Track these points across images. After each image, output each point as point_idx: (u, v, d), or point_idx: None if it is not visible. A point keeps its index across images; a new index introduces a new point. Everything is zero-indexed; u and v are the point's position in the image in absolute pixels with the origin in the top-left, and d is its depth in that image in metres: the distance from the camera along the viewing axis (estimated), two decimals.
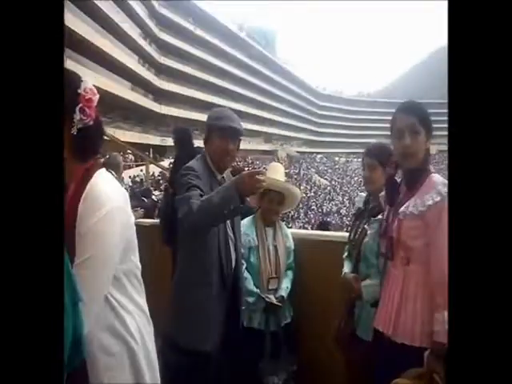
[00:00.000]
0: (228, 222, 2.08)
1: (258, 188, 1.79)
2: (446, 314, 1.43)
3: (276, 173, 2.53)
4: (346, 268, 2.16)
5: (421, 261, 1.62)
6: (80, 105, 1.16)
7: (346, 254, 2.24)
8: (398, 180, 1.83)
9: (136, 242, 1.36)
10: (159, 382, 1.38)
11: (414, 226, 1.62)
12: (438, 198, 1.54)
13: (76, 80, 1.19)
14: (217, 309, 2.01)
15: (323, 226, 6.93)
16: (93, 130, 1.21)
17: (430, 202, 1.56)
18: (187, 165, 2.07)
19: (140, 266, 1.38)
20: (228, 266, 2.06)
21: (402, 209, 1.64)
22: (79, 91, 1.17)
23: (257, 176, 1.74)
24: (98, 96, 1.22)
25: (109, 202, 1.18)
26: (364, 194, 2.25)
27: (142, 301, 1.36)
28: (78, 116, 1.15)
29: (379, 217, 1.93)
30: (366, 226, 2.06)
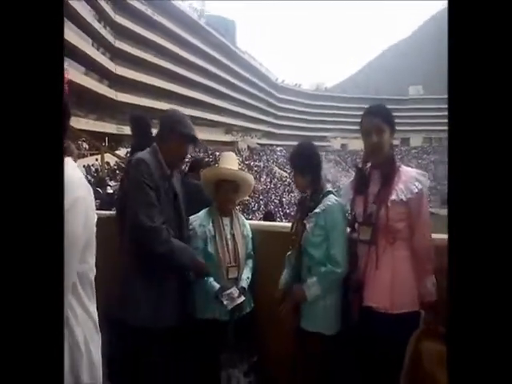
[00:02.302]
0: (175, 209, 2.29)
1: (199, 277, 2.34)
2: (433, 277, 1.89)
3: (228, 162, 2.56)
4: (286, 274, 2.35)
5: (404, 238, 1.92)
6: None
7: (290, 247, 2.31)
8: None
9: (94, 243, 1.31)
10: None
11: (400, 212, 1.90)
12: (420, 187, 1.89)
13: None
14: (164, 291, 2.17)
15: (268, 216, 6.98)
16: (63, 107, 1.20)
17: (416, 190, 1.87)
18: (140, 157, 2.17)
19: (95, 271, 1.33)
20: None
21: (393, 197, 1.89)
22: None
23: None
24: (67, 75, 1.19)
25: (72, 193, 1.14)
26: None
27: (93, 308, 1.32)
28: None
29: (317, 211, 2.12)
30: (304, 220, 2.16)
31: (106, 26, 35.05)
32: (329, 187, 2.26)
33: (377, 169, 2.02)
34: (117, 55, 36.74)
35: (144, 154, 2.20)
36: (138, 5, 38.43)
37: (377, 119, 1.96)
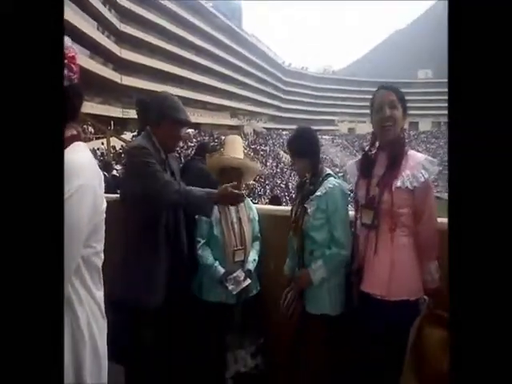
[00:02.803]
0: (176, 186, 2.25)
1: (234, 204, 2.30)
2: (436, 263, 1.85)
3: (233, 149, 2.53)
4: (289, 260, 2.36)
5: (406, 225, 1.86)
6: (65, 61, 1.15)
7: (291, 233, 2.30)
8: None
9: (103, 229, 1.29)
10: (105, 380, 1.32)
11: (405, 198, 1.84)
12: (427, 175, 1.82)
13: None
14: (161, 270, 2.19)
15: (274, 201, 6.98)
16: (75, 89, 1.23)
17: (423, 179, 1.81)
18: (139, 144, 2.20)
19: (102, 257, 1.31)
20: (174, 230, 2.25)
21: (399, 184, 1.83)
22: None
23: (238, 196, 2.12)
24: (77, 53, 1.23)
25: (79, 178, 1.12)
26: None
27: (99, 294, 1.30)
28: (64, 73, 1.14)
29: (318, 193, 2.11)
30: (305, 204, 2.15)
31: (111, 9, 34.68)
32: (334, 171, 2.25)
33: (384, 150, 1.94)
34: (122, 38, 36.43)
35: (140, 140, 2.23)
36: None
37: (391, 94, 1.89)
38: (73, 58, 1.19)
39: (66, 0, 26.04)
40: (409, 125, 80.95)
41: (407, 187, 1.81)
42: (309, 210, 2.12)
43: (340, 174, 2.29)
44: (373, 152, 2.00)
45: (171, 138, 2.28)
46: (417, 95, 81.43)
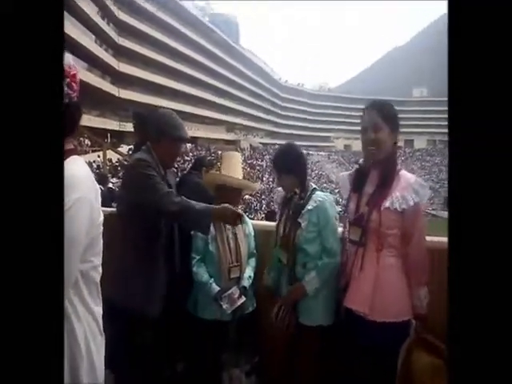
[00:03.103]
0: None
1: (233, 224, 2.23)
2: (426, 289, 1.83)
3: (233, 167, 2.53)
4: (271, 273, 2.38)
5: (394, 246, 1.84)
6: (67, 80, 1.18)
7: (277, 248, 2.30)
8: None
9: (101, 243, 1.29)
10: None
11: (393, 219, 1.82)
12: (417, 199, 1.78)
13: None
14: (155, 283, 2.19)
15: (270, 216, 6.93)
16: (75, 106, 1.24)
17: (412, 203, 1.77)
18: (141, 157, 2.20)
19: (100, 271, 1.31)
20: (168, 245, 2.26)
21: (387, 204, 1.80)
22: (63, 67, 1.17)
23: (237, 217, 2.10)
24: (78, 71, 1.25)
25: (77, 191, 1.13)
26: (280, 189, 2.37)
27: (97, 309, 1.29)
28: (65, 90, 1.16)
29: (309, 207, 2.13)
30: (298, 219, 2.16)
31: (110, 22, 35.09)
32: (330, 187, 2.25)
33: (376, 168, 1.90)
34: (120, 52, 36.79)
35: (141, 154, 2.24)
36: (141, 2, 38.46)
37: (376, 116, 1.83)
38: (74, 76, 1.21)
39: (66, 14, 26.33)
40: (404, 142, 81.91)
41: (396, 209, 1.78)
42: (302, 225, 2.14)
43: (337, 191, 2.28)
44: (365, 168, 1.98)
45: (170, 154, 2.30)
46: (412, 113, 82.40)
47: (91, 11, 30.42)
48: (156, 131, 2.26)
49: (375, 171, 1.91)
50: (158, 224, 2.20)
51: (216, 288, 2.34)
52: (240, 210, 2.21)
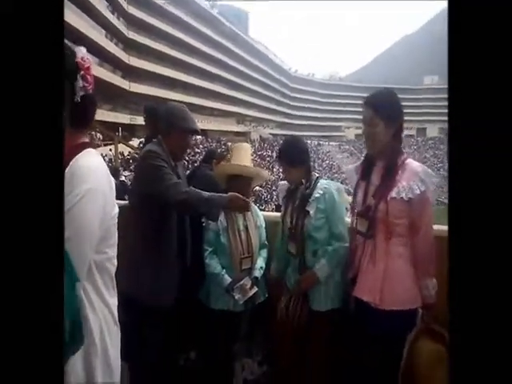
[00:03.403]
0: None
1: (241, 211, 2.35)
2: (434, 279, 1.85)
3: (241, 157, 2.53)
4: (279, 263, 2.43)
5: (402, 235, 1.86)
6: (81, 72, 1.17)
7: (284, 239, 2.34)
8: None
9: (116, 235, 1.29)
10: None
11: (400, 209, 1.82)
12: (423, 188, 1.78)
13: (70, 50, 1.20)
14: (171, 273, 2.24)
15: (280, 207, 6.89)
16: (90, 99, 1.24)
17: (418, 192, 1.77)
18: (151, 149, 2.23)
19: (115, 263, 1.31)
20: (180, 236, 2.29)
21: (393, 194, 1.81)
22: (76, 60, 1.17)
23: (245, 204, 2.16)
24: (92, 65, 1.24)
25: (89, 181, 1.13)
26: (285, 182, 2.39)
27: (112, 300, 1.29)
28: (80, 83, 1.16)
29: (316, 195, 2.18)
30: (306, 208, 2.19)
31: (120, 17, 35.07)
32: (341, 177, 2.29)
33: (381, 160, 1.92)
34: (130, 46, 36.81)
35: (152, 146, 2.27)
36: None
37: (370, 111, 1.85)
38: (88, 68, 1.20)
39: (76, 8, 26.44)
40: (416, 131, 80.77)
41: (402, 198, 1.79)
42: (311, 212, 2.17)
43: (347, 181, 2.29)
44: (371, 159, 2.00)
45: (180, 146, 2.34)
46: (424, 101, 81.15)
47: (101, 6, 30.45)
48: (166, 124, 2.30)
49: (380, 162, 1.93)
50: (168, 215, 2.23)
51: (228, 279, 2.36)
52: (249, 200, 2.25)
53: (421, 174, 1.80)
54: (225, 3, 62.07)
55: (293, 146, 2.29)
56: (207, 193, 2.09)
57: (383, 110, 1.84)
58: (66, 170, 1.09)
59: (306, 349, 2.22)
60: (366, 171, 1.99)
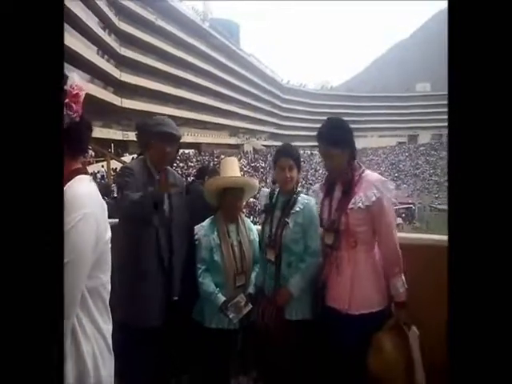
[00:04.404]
0: (161, 212, 2.33)
1: (168, 191, 2.31)
2: (403, 277, 1.98)
3: (230, 169, 2.53)
4: (260, 273, 2.44)
5: (365, 242, 2.04)
6: (66, 100, 1.16)
7: (263, 244, 2.39)
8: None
9: (109, 260, 1.29)
10: None
11: (360, 217, 2.00)
12: (379, 195, 1.97)
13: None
14: (154, 292, 2.27)
15: None
16: (80, 126, 1.23)
17: (374, 199, 1.96)
18: (125, 165, 2.37)
19: (109, 288, 1.30)
20: (165, 253, 2.33)
21: (351, 205, 2.00)
22: (65, 87, 1.16)
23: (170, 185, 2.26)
24: (84, 92, 1.22)
25: (83, 208, 1.14)
26: (267, 190, 2.46)
27: (106, 327, 1.27)
28: (64, 111, 1.15)
29: (297, 209, 2.25)
30: (285, 219, 2.25)
31: (111, 33, 35.27)
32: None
33: (340, 178, 2.13)
34: (121, 62, 36.94)
35: (130, 162, 2.37)
36: (141, 11, 38.63)
37: (325, 144, 2.07)
38: (76, 96, 1.19)
39: (67, 26, 26.55)
40: (408, 138, 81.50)
41: (359, 207, 1.98)
42: (290, 225, 2.23)
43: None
44: (332, 178, 2.19)
45: (160, 154, 2.34)
46: (416, 108, 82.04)
47: (92, 22, 30.61)
48: (146, 135, 2.37)
49: (340, 179, 2.12)
50: (146, 233, 2.27)
51: (221, 298, 2.33)
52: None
53: (376, 183, 1.99)
54: (215, 17, 62.51)
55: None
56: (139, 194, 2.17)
57: (336, 140, 2.05)
58: None
59: (282, 356, 2.23)
60: (329, 189, 2.18)
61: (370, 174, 2.07)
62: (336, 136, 2.06)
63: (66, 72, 1.18)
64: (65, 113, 1.15)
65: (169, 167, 2.53)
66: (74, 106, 1.18)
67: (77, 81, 1.20)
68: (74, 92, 1.18)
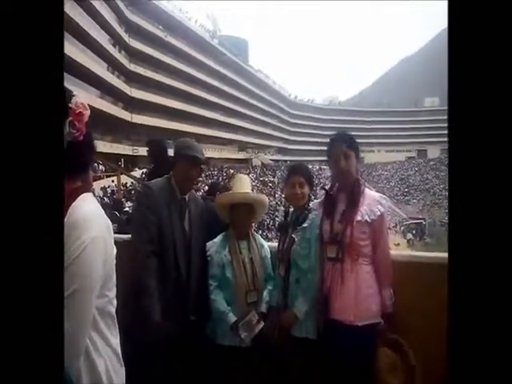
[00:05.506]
0: (183, 231, 2.43)
1: None
2: (391, 290, 2.10)
3: (241, 186, 2.56)
4: (271, 290, 2.46)
5: (366, 255, 2.11)
6: (70, 118, 1.15)
7: (274, 267, 2.48)
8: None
9: (114, 276, 1.29)
10: None
11: (364, 231, 2.10)
12: (383, 210, 2.10)
13: (66, 93, 1.18)
14: (171, 308, 2.28)
15: None
16: (82, 146, 1.21)
17: (378, 213, 2.09)
18: (146, 184, 2.42)
19: (115, 304, 1.30)
20: (182, 269, 2.38)
21: (358, 217, 2.08)
22: (70, 105, 1.15)
23: None
24: (89, 111, 1.20)
25: (91, 230, 1.12)
26: (282, 209, 2.55)
27: (115, 341, 1.28)
28: (67, 129, 1.13)
29: (304, 225, 2.30)
30: (293, 235, 2.31)
31: (121, 49, 35.98)
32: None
33: (343, 191, 2.20)
34: (131, 78, 37.63)
35: (154, 181, 2.45)
36: (151, 28, 39.45)
37: (343, 145, 2.15)
38: (79, 114, 1.17)
39: (77, 42, 27.14)
40: (417, 153, 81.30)
41: (366, 220, 2.07)
42: (297, 240, 2.28)
43: None
44: (334, 190, 2.26)
45: (186, 176, 2.44)
46: (424, 123, 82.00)
47: (102, 39, 31.30)
48: (173, 156, 2.46)
49: (343, 193, 2.20)
50: (163, 251, 2.33)
51: (233, 318, 2.32)
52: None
53: (379, 199, 2.13)
54: (224, 34, 63.56)
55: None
56: (152, 284, 2.23)
57: (352, 143, 2.17)
58: (65, 221, 1.08)
59: (290, 372, 2.26)
60: (329, 205, 2.22)
61: (370, 191, 2.20)
62: (352, 139, 2.20)
63: (69, 91, 1.18)
64: (68, 131, 1.14)
65: (192, 191, 2.62)
66: (77, 124, 1.16)
67: (80, 100, 1.19)
68: (78, 111, 1.17)
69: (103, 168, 21.38)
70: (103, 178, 19.72)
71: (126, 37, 36.27)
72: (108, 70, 33.67)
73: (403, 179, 67.83)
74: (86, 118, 1.19)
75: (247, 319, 2.30)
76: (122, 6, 35.01)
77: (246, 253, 2.46)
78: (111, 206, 6.04)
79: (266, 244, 2.61)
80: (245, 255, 2.45)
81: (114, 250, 1.29)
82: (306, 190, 2.33)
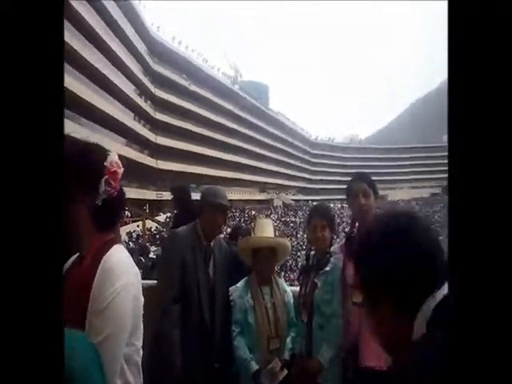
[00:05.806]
0: (207, 276, 2.47)
1: None
2: None
3: (263, 230, 2.59)
4: (294, 337, 2.43)
5: None
6: (106, 177, 1.20)
7: (296, 311, 2.43)
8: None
9: (142, 326, 1.31)
10: None
11: None
12: None
13: (102, 152, 1.25)
14: (196, 354, 2.31)
15: None
16: (116, 201, 1.26)
17: None
18: (173, 231, 2.50)
19: (141, 354, 1.32)
20: (206, 314, 2.40)
21: None
22: (105, 164, 1.21)
23: None
24: (122, 169, 1.26)
25: (123, 277, 1.17)
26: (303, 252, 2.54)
27: None
28: (103, 187, 1.20)
29: (326, 269, 2.27)
30: (315, 279, 2.28)
31: (147, 99, 37.51)
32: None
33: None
34: (157, 126, 38.85)
35: (182, 228, 2.51)
36: (174, 77, 41.18)
37: (362, 184, 2.20)
38: (114, 173, 1.23)
39: (104, 93, 28.34)
40: (442, 189, 79.76)
41: None
42: (319, 284, 2.25)
43: None
44: (354, 234, 2.22)
45: (211, 223, 2.47)
46: (442, 159, 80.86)
47: (129, 89, 32.77)
48: (199, 203, 2.52)
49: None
50: (188, 298, 2.37)
51: (255, 366, 2.29)
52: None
53: None
54: (245, 80, 65.79)
55: (327, 210, 2.45)
56: (175, 336, 2.27)
57: (372, 182, 2.24)
58: (99, 269, 1.14)
59: None
60: (351, 247, 2.17)
61: None
62: (370, 178, 2.28)
63: (105, 150, 1.25)
64: (103, 189, 1.20)
65: (218, 237, 2.66)
66: (112, 182, 1.21)
67: (116, 159, 1.24)
68: (113, 169, 1.22)
69: (129, 213, 21.80)
70: (129, 224, 19.98)
71: (151, 87, 37.85)
72: (134, 119, 34.95)
73: (428, 216, 66.26)
74: (119, 176, 1.25)
75: (270, 367, 2.28)
76: (147, 57, 36.84)
77: (268, 298, 2.44)
78: (137, 251, 6.15)
79: (288, 289, 2.58)
80: (267, 301, 2.43)
81: (142, 299, 1.31)
82: (328, 233, 2.32)
